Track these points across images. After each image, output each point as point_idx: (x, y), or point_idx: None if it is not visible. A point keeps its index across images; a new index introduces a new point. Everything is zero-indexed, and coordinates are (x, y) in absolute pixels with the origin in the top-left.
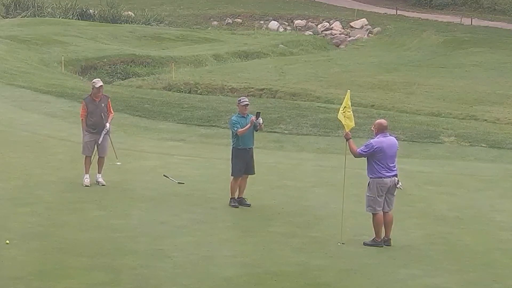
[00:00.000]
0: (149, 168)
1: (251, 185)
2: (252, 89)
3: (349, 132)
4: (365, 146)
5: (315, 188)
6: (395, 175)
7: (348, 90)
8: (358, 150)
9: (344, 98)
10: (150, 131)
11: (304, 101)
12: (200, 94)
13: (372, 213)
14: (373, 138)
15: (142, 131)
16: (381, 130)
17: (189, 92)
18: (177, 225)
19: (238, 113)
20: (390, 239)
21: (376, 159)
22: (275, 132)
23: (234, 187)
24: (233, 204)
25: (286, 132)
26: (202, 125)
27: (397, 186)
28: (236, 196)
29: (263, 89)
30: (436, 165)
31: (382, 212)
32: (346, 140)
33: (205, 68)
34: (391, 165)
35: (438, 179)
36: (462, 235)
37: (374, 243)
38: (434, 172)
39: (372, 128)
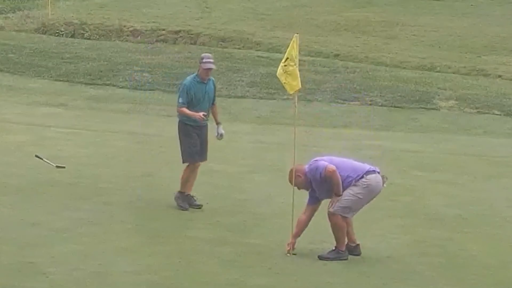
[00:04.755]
0: (15, 145)
1: (160, 170)
2: (163, 31)
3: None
4: (319, 167)
5: (253, 175)
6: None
7: (295, 35)
8: (327, 174)
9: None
10: (17, 91)
11: (238, 49)
12: (89, 39)
13: (339, 215)
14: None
15: (4, 91)
16: (303, 171)
17: (73, 36)
18: (54, 227)
19: (197, 75)
20: (358, 244)
21: (344, 162)
22: None
23: (188, 178)
24: (182, 204)
25: None
26: (90, 84)
27: (384, 185)
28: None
29: (179, 31)
30: (428, 141)
31: None
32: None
33: (95, 1)
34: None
35: (431, 162)
36: (466, 242)
37: (337, 256)
38: (425, 152)
39: (295, 184)
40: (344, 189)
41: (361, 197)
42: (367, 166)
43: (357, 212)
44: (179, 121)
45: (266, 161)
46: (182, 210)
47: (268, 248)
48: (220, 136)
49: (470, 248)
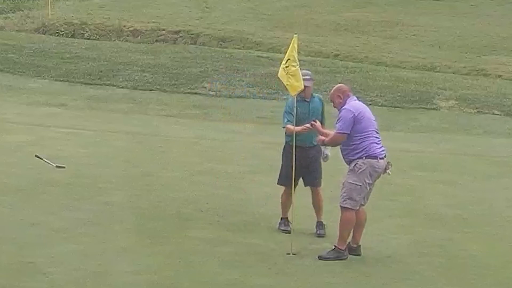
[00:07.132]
0: (15, 145)
1: (161, 170)
2: (163, 31)
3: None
4: (342, 120)
5: (254, 175)
6: (385, 155)
7: (295, 35)
8: (337, 131)
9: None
10: (16, 91)
11: (238, 49)
12: (88, 39)
13: (347, 208)
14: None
15: (4, 91)
16: (347, 94)
17: (73, 36)
18: (54, 227)
19: (299, 94)
20: (359, 246)
21: (364, 131)
22: (196, 93)
23: (285, 202)
24: (284, 228)
25: (212, 93)
26: (90, 84)
27: (387, 171)
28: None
29: (179, 31)
30: (428, 141)
31: None
32: (320, 141)
33: (95, 1)
34: (378, 134)
35: (431, 162)
36: (466, 242)
37: (337, 256)
38: (425, 152)
39: (332, 98)
40: (345, 155)
41: (359, 183)
42: (376, 150)
43: (366, 199)
44: (285, 142)
45: (266, 161)
46: (286, 233)
47: (268, 248)
48: (325, 158)
49: (470, 248)
